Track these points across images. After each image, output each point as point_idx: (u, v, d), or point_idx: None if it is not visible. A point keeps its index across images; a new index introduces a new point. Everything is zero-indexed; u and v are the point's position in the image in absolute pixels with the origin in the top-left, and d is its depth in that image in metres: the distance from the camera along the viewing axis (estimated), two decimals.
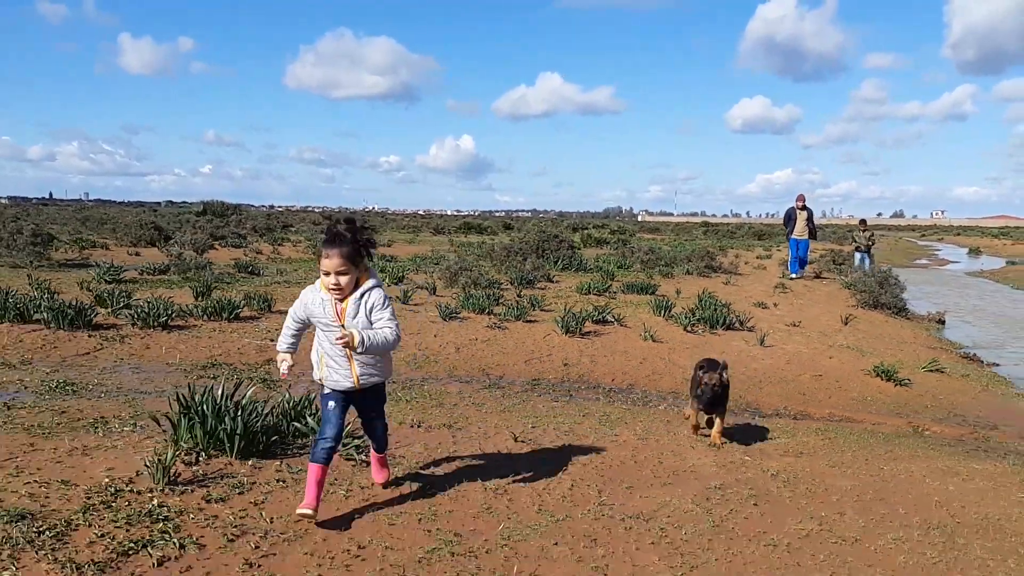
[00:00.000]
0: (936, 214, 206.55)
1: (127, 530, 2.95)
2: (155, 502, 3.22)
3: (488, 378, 6.94)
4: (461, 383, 6.64)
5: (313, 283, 3.36)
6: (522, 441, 4.62)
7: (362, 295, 3.24)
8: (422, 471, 3.99)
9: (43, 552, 2.71)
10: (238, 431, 3.84)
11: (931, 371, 8.06)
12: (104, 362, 6.66)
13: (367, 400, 3.44)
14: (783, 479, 4.27)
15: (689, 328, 8.98)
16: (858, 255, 19.43)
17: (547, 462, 4.25)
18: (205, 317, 8.20)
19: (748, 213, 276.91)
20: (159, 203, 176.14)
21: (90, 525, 2.95)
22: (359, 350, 3.18)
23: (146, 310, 7.76)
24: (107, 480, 3.41)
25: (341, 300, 3.23)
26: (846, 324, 10.27)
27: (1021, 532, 3.71)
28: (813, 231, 17.13)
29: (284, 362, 3.46)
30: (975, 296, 19.55)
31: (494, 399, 5.95)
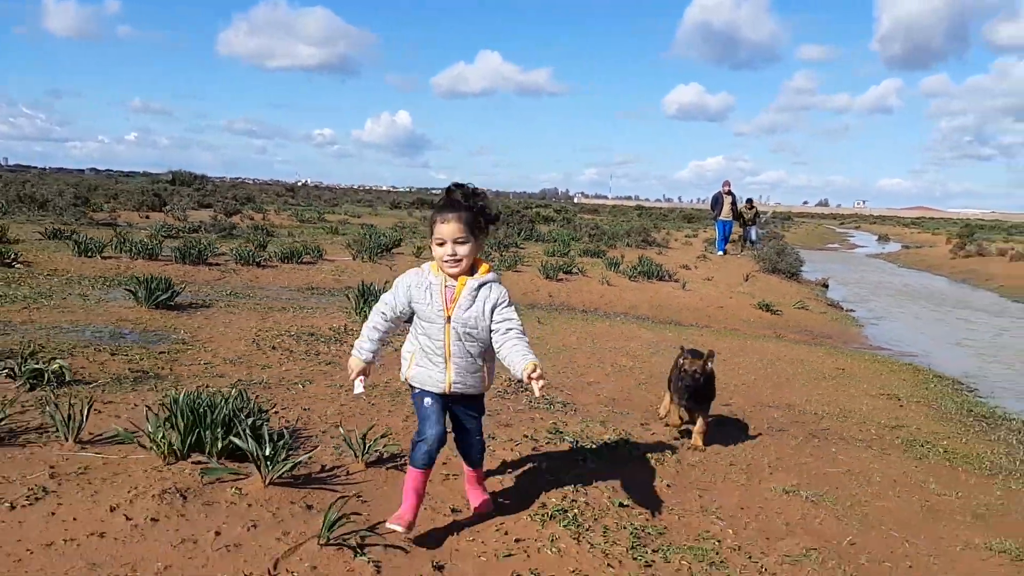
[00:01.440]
0: (858, 204, 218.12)
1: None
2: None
3: None
4: None
5: (419, 266, 2.93)
6: (542, 323, 7.98)
7: (480, 286, 2.84)
8: None
9: (304, 348, 5.94)
10: None
11: (798, 308, 11.74)
12: (232, 286, 9.68)
13: (461, 409, 3.01)
14: (691, 342, 7.75)
15: (633, 278, 12.47)
16: (745, 228, 22.85)
17: (558, 333, 7.61)
18: (279, 261, 11.25)
19: (680, 198, 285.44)
20: (83, 170, 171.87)
21: (338, 342, 6.18)
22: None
23: (244, 253, 10.80)
24: (332, 326, 6.60)
25: (456, 277, 2.83)
26: (746, 280, 13.94)
27: (811, 364, 7.28)
28: (737, 214, 20.76)
29: (361, 378, 2.91)
30: (865, 271, 23.80)
31: None
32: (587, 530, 3.00)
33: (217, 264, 10.60)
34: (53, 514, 2.62)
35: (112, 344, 5.17)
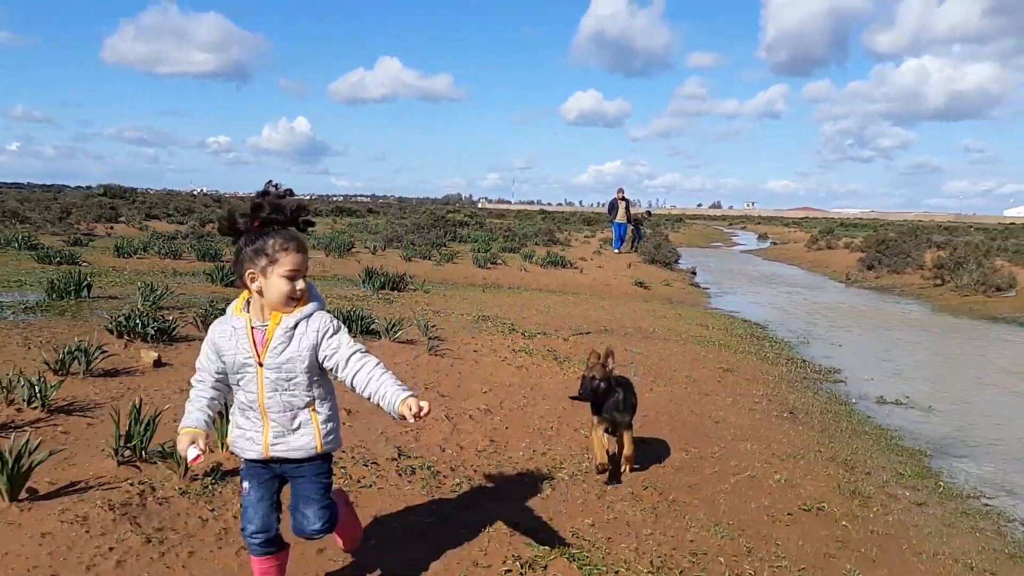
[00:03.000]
0: (748, 205, 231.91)
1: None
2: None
3: (444, 285, 14.15)
4: (434, 287, 13.82)
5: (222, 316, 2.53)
6: (486, 292, 11.95)
7: (297, 323, 2.41)
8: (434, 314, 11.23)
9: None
10: None
11: (664, 285, 16.16)
12: None
13: (295, 475, 2.52)
14: (586, 305, 11.90)
15: (543, 266, 16.61)
16: (636, 229, 27.44)
17: (497, 298, 11.60)
18: None
19: (581, 202, 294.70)
20: None
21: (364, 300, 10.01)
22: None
23: None
24: (358, 294, 10.40)
25: (262, 323, 2.41)
26: (629, 267, 18.33)
27: (660, 312, 11.57)
28: (630, 217, 25.19)
29: (194, 445, 2.37)
30: (732, 263, 28.82)
31: (456, 291, 13.17)
32: None
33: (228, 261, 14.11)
34: None
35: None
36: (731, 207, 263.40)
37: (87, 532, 2.99)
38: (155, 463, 3.58)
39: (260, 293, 2.42)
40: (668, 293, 15.46)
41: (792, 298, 17.14)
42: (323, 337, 2.44)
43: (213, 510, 3.30)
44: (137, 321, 5.80)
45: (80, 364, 4.79)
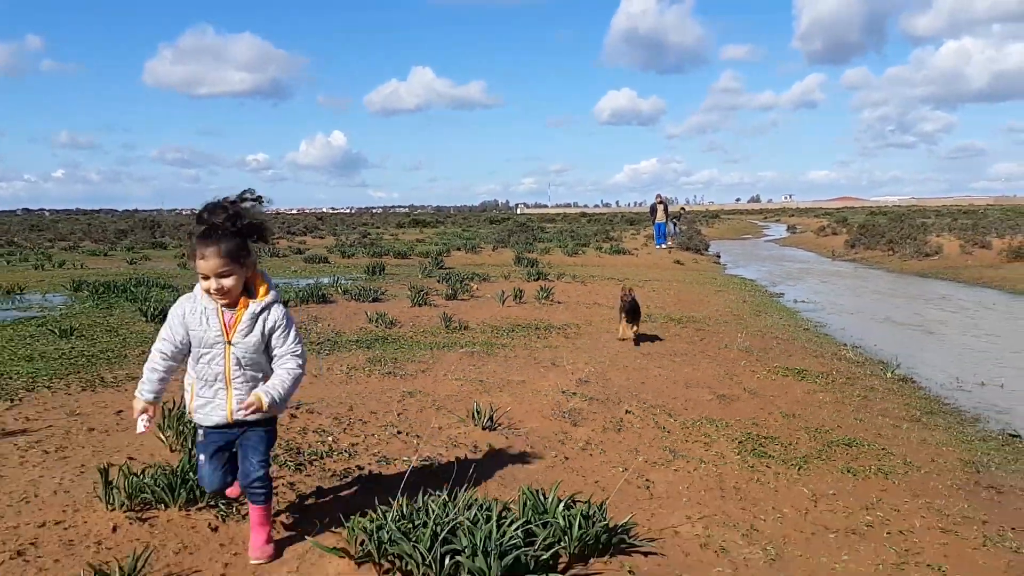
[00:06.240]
0: (786, 198, 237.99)
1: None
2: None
3: (550, 265, 22.64)
4: (548, 266, 22.32)
5: (190, 293, 3.05)
6: (575, 278, 20.48)
7: (260, 311, 2.99)
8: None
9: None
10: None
11: (694, 263, 24.54)
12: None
13: (245, 435, 3.09)
14: (639, 277, 20.38)
15: (610, 254, 25.08)
16: (671, 224, 35.77)
17: (583, 278, 20.09)
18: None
19: (617, 202, 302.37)
20: (14, 211, 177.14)
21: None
22: (270, 412, 3.03)
23: (355, 291, 22.98)
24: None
25: (231, 307, 2.97)
26: (669, 252, 26.72)
27: (689, 276, 20.02)
28: (669, 216, 33.35)
29: (143, 416, 3.01)
30: (753, 249, 37.03)
31: (562, 268, 21.63)
32: None
33: (335, 300, 22.79)
34: None
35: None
36: (769, 200, 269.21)
37: None
38: None
39: None
40: (695, 267, 23.84)
41: (782, 266, 25.42)
42: (274, 329, 3.02)
43: None
44: (422, 287, 14.38)
45: (421, 298, 13.30)
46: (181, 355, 3.04)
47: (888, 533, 4.13)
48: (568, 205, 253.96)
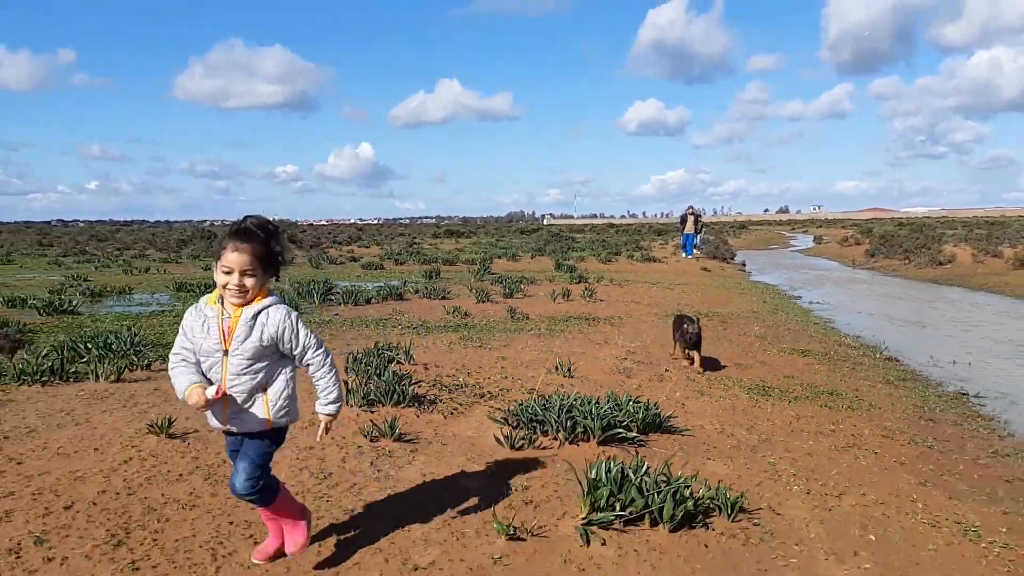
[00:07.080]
0: (814, 209, 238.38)
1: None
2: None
3: (588, 270, 24.79)
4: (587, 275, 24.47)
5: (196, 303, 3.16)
6: (613, 282, 22.64)
7: (256, 314, 3.02)
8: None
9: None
10: None
11: (721, 271, 26.58)
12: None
13: (244, 448, 3.14)
14: (670, 284, 22.49)
15: (641, 261, 27.19)
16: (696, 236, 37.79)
17: (618, 284, 22.25)
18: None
19: (644, 213, 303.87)
20: (49, 222, 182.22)
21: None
22: (337, 414, 3.20)
23: (425, 290, 25.26)
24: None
25: (242, 304, 3.02)
26: (697, 261, 28.78)
27: (715, 282, 22.11)
28: (698, 228, 35.31)
29: (194, 394, 2.99)
30: (778, 259, 38.96)
31: (600, 273, 23.80)
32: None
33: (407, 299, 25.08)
34: None
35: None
36: (798, 211, 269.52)
37: None
38: None
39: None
40: (722, 274, 25.88)
41: (804, 274, 27.40)
42: (282, 332, 3.04)
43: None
44: (481, 288, 16.61)
45: (484, 296, 15.55)
46: (195, 359, 3.13)
47: (844, 435, 6.27)
48: (594, 216, 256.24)
